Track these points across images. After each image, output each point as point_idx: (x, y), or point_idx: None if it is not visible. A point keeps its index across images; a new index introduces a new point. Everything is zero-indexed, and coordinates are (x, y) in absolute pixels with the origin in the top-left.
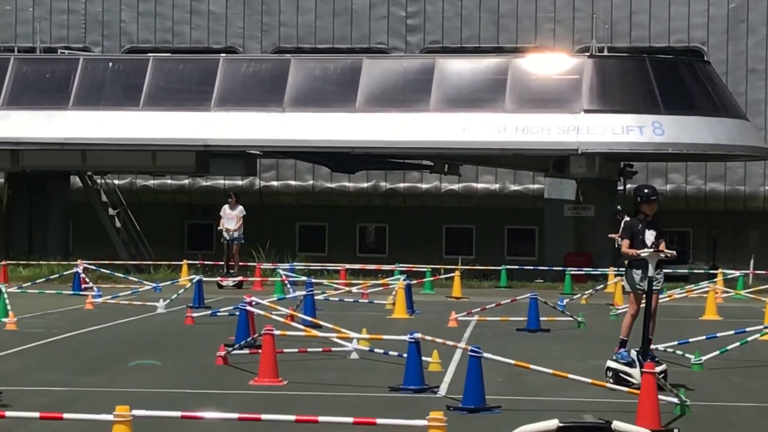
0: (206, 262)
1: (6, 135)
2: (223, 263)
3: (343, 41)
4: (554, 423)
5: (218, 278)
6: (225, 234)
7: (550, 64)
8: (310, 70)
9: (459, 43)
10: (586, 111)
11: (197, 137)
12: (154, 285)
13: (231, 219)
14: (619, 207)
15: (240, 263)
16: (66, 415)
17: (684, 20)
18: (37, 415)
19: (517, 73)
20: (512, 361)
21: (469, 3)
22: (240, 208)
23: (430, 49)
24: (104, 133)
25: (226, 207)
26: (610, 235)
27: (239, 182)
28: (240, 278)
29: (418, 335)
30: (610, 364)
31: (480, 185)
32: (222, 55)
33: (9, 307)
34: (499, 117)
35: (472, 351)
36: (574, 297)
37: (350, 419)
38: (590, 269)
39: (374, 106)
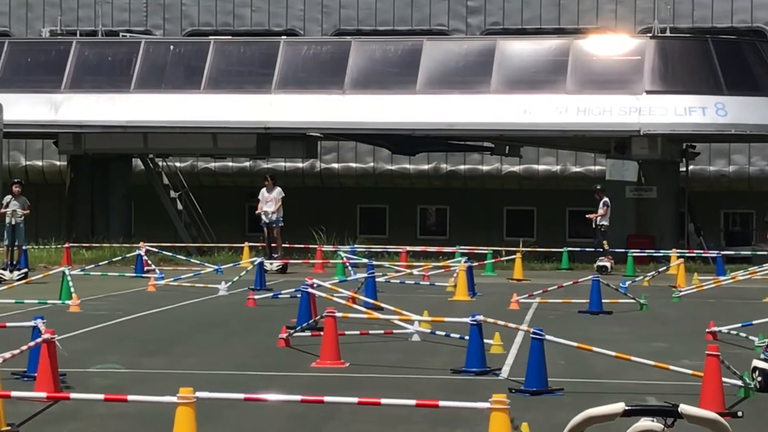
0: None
1: (69, 118)
2: (264, 246)
3: (404, 23)
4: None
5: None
6: (264, 217)
7: (611, 45)
8: (371, 52)
9: (520, 25)
10: (648, 92)
11: (258, 120)
12: (216, 267)
13: (269, 202)
14: (598, 186)
15: (283, 245)
16: (130, 397)
17: (747, 0)
18: (101, 396)
19: (579, 54)
20: (575, 344)
21: None
22: (278, 190)
23: (490, 30)
24: (166, 116)
25: (263, 190)
26: (587, 216)
27: (300, 164)
28: (283, 261)
29: (480, 317)
30: (758, 363)
31: (541, 167)
32: (283, 37)
33: (72, 289)
34: (561, 98)
35: (534, 333)
36: (636, 279)
37: (413, 401)
38: (652, 251)
39: (435, 87)
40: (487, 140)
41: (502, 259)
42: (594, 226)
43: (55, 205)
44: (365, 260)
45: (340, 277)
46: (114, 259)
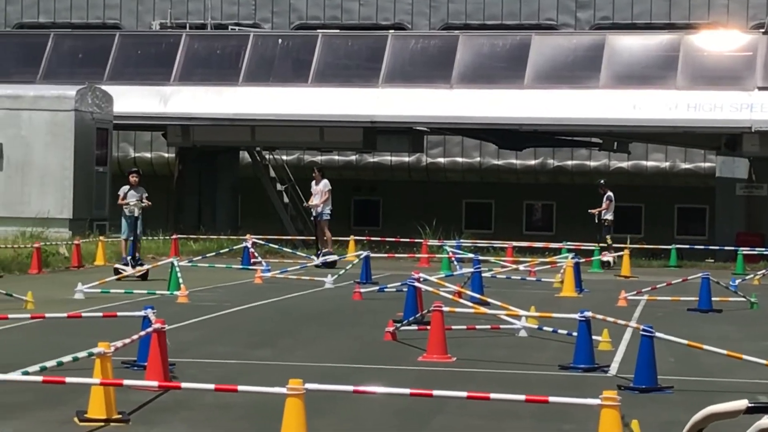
0: (373, 238)
1: (177, 110)
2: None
3: (512, 17)
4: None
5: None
6: (312, 211)
7: (723, 40)
8: (479, 47)
9: (630, 20)
10: (760, 88)
11: (364, 113)
12: (320, 261)
13: (316, 194)
14: (602, 181)
15: (333, 238)
16: (240, 388)
17: None
18: (212, 386)
19: (689, 49)
20: (685, 341)
21: None
22: (324, 182)
23: (600, 25)
24: (273, 109)
25: (313, 183)
26: (590, 210)
27: (406, 159)
28: (332, 257)
29: (588, 314)
30: None
31: (650, 163)
32: (390, 31)
33: (181, 280)
34: (670, 94)
35: (644, 330)
36: (747, 277)
37: (522, 396)
38: (763, 249)
39: (543, 82)
40: (595, 136)
41: (610, 255)
42: (597, 221)
43: (162, 196)
44: (471, 255)
45: (445, 271)
46: (221, 251)
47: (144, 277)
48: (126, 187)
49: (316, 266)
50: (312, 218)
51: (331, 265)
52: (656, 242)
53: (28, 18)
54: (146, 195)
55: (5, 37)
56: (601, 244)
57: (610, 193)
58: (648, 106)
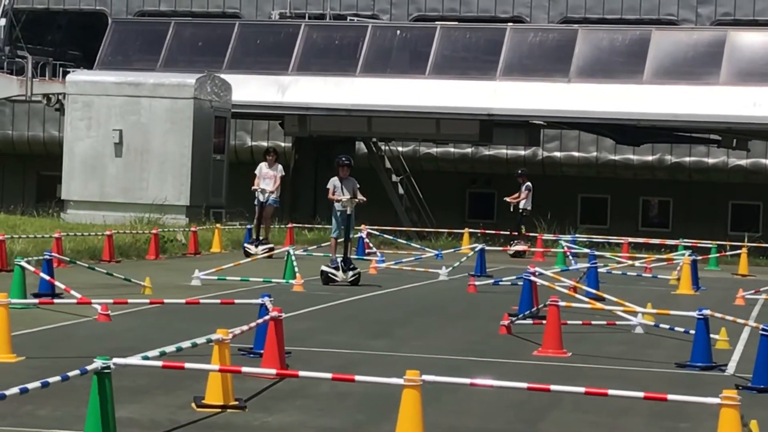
0: (487, 231)
1: (295, 100)
2: (253, 227)
3: (632, 12)
4: None
5: (246, 246)
6: (259, 195)
7: None
8: (598, 41)
9: (751, 16)
10: None
11: (481, 106)
12: (436, 252)
13: (268, 179)
14: (521, 170)
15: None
16: (357, 377)
17: None
18: (329, 376)
19: None
20: None
21: None
22: (279, 167)
23: (721, 21)
24: (390, 101)
25: (262, 165)
26: (506, 198)
27: (522, 152)
28: (270, 246)
29: (706, 312)
30: None
31: None
32: (509, 24)
33: (296, 269)
34: None
35: (763, 330)
36: None
37: (640, 393)
38: None
39: (662, 78)
40: (714, 133)
41: (727, 253)
42: (513, 209)
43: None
44: (586, 250)
45: (560, 266)
46: None
47: (270, 256)
48: (335, 180)
49: (247, 254)
50: (256, 203)
51: (269, 253)
52: None
53: (149, 6)
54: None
55: (127, 24)
56: (513, 233)
57: (529, 183)
58: None
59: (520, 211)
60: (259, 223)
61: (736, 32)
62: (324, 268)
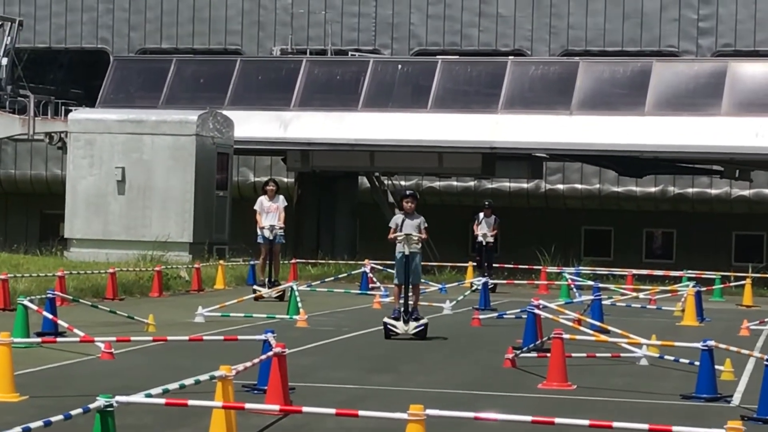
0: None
1: (297, 135)
2: (259, 268)
3: (633, 44)
4: None
5: (256, 288)
6: (267, 233)
7: None
8: (599, 73)
9: (752, 47)
10: None
11: (484, 139)
12: (440, 286)
13: (270, 213)
14: (488, 202)
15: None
16: (361, 413)
17: None
18: (332, 411)
19: None
20: None
21: (764, 5)
22: (282, 198)
23: (722, 52)
24: (392, 135)
25: (263, 199)
26: (486, 232)
27: (524, 185)
28: (283, 288)
29: (711, 343)
30: None
31: None
32: (510, 57)
33: (300, 304)
34: None
35: (767, 360)
36: None
37: (645, 426)
38: None
39: (664, 109)
40: (716, 163)
41: (731, 284)
42: (485, 244)
43: None
44: (590, 282)
45: (564, 298)
46: (339, 276)
47: (282, 297)
48: (398, 217)
49: (254, 299)
50: (261, 242)
51: (282, 297)
52: None
53: (150, 44)
54: (425, 225)
55: (128, 62)
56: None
57: (495, 217)
58: None
59: (487, 244)
60: (265, 263)
61: (737, 63)
62: (385, 319)
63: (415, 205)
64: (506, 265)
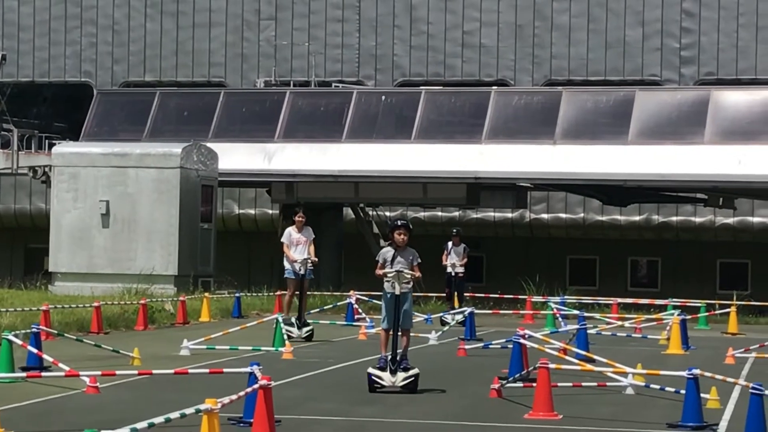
0: (476, 294)
1: (281, 167)
2: (286, 305)
3: (615, 73)
4: None
5: (286, 329)
6: (296, 266)
7: None
8: (582, 103)
9: (734, 75)
10: None
11: (468, 169)
12: (426, 317)
13: (300, 245)
14: (458, 229)
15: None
16: None
17: None
18: None
19: None
20: None
21: (745, 34)
22: (310, 230)
23: (704, 81)
24: (376, 166)
25: (291, 230)
26: (456, 262)
27: (509, 214)
28: (312, 328)
29: (696, 371)
30: None
31: (756, 219)
32: (493, 88)
33: (285, 336)
34: None
35: (753, 388)
36: None
37: None
38: None
39: (647, 138)
40: (700, 192)
41: (716, 312)
42: (454, 275)
43: (266, 252)
44: (576, 311)
45: (550, 328)
46: (325, 307)
47: (309, 338)
48: (387, 252)
49: (287, 337)
50: (294, 276)
51: (311, 337)
52: (764, 299)
53: (134, 77)
54: (418, 261)
55: (112, 95)
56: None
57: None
58: (754, 161)
59: (458, 275)
60: (292, 299)
61: (719, 91)
62: (369, 370)
63: (408, 238)
64: (491, 295)
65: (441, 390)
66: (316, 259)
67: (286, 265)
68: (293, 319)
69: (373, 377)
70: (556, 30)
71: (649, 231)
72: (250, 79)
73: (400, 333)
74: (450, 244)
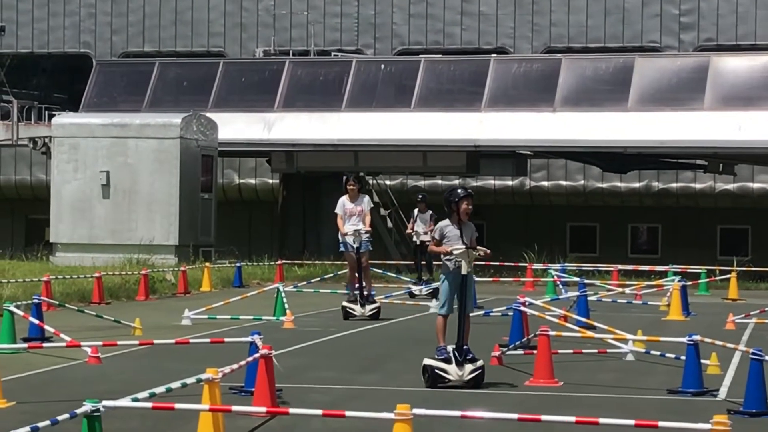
0: (477, 262)
1: (281, 137)
2: (349, 281)
3: (615, 40)
4: None
5: (346, 305)
6: (350, 239)
7: None
8: (582, 70)
9: (734, 41)
10: None
11: (468, 138)
12: (422, 284)
13: (354, 216)
14: (423, 195)
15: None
16: (348, 413)
17: None
18: (319, 412)
19: None
20: None
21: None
22: (366, 199)
23: (704, 47)
24: (376, 135)
25: (344, 200)
26: (422, 230)
27: (509, 182)
28: (378, 305)
29: (697, 337)
30: None
31: (756, 185)
32: (493, 55)
33: (286, 305)
34: None
35: (753, 354)
36: None
37: (631, 421)
38: None
39: (647, 105)
40: (700, 158)
41: (717, 278)
42: (420, 243)
43: (267, 222)
44: (576, 279)
45: (550, 295)
46: (326, 276)
47: (375, 316)
48: (448, 225)
49: (348, 315)
50: (349, 249)
51: (377, 315)
52: (764, 264)
53: (133, 47)
54: (476, 234)
55: (111, 66)
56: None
57: (431, 212)
58: (754, 127)
59: (424, 243)
60: (353, 275)
61: (719, 57)
62: (429, 362)
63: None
64: (492, 263)
65: None
66: (370, 229)
67: (341, 238)
68: (356, 295)
69: (437, 371)
70: None
71: (649, 198)
72: (249, 49)
73: (464, 321)
74: (416, 211)
